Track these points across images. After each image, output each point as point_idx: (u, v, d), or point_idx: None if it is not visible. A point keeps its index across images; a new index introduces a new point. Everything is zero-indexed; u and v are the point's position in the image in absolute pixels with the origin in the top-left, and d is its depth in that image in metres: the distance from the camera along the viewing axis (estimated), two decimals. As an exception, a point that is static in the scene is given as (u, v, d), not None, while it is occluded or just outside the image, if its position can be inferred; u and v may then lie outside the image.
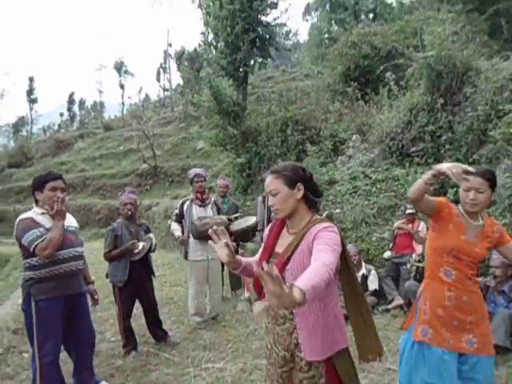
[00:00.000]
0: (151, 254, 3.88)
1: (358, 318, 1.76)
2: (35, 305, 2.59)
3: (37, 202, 2.75)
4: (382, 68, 7.59)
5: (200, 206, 4.45)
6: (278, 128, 8.94)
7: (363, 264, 4.92)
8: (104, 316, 4.78)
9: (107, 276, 3.71)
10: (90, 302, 3.07)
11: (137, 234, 3.67)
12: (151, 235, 3.85)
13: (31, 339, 2.62)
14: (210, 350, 3.64)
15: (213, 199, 4.67)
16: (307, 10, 38.43)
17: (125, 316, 3.60)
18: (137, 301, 3.79)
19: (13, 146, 38.67)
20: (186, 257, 4.31)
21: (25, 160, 31.40)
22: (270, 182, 1.70)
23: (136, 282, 3.59)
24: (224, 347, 3.71)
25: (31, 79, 46.19)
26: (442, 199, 2.04)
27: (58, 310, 2.63)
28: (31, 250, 2.55)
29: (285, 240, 1.73)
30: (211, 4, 10.41)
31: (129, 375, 3.22)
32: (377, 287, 4.79)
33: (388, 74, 7.45)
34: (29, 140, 39.12)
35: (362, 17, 17.50)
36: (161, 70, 46.94)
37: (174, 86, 40.37)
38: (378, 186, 6.05)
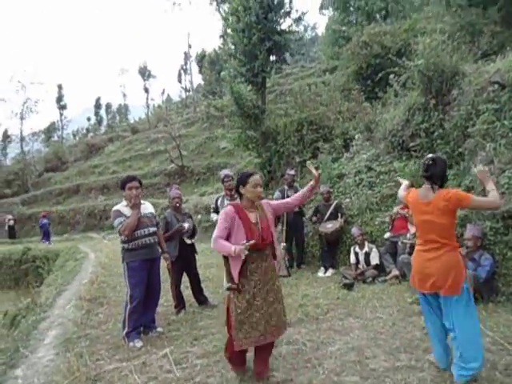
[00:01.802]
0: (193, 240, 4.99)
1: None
2: (126, 265, 3.85)
3: (124, 197, 3.92)
4: (382, 73, 8.36)
5: (230, 200, 5.49)
6: (294, 128, 9.86)
7: (366, 243, 5.88)
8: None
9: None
10: (163, 264, 4.25)
11: (183, 220, 4.77)
12: (191, 220, 4.97)
13: (126, 291, 3.88)
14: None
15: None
16: (323, 5, 38.86)
17: (176, 283, 4.73)
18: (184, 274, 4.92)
19: (47, 151, 40.89)
20: None
21: (60, 164, 33.47)
22: (260, 178, 2.94)
23: (184, 258, 4.72)
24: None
25: (60, 86, 48.46)
26: None
27: (140, 269, 3.85)
28: (117, 231, 3.73)
29: (251, 215, 2.88)
30: (230, 17, 11.43)
31: (182, 324, 4.33)
32: (378, 262, 5.73)
33: (391, 76, 8.26)
34: (62, 145, 41.40)
35: (377, 16, 17.97)
36: (182, 72, 48.44)
37: (194, 86, 41.71)
38: (382, 178, 6.95)
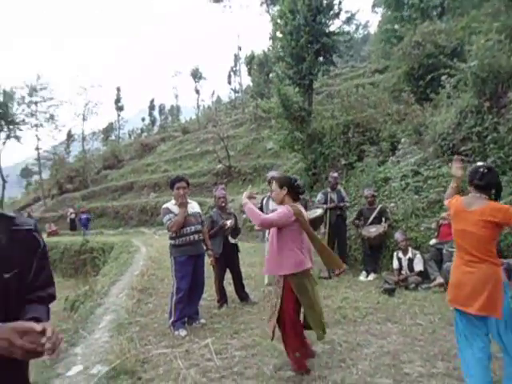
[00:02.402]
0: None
1: (316, 248, 3.16)
2: (173, 259, 4.17)
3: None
4: (435, 73, 8.10)
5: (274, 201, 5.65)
6: (340, 130, 9.82)
7: (410, 249, 5.78)
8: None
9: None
10: (207, 260, 4.55)
11: (227, 219, 5.01)
12: (233, 218, 5.19)
13: (172, 283, 4.18)
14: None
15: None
16: (376, 3, 37.86)
17: (220, 279, 4.99)
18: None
19: (105, 149, 43.58)
20: (264, 241, 5.57)
21: (116, 162, 35.53)
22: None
23: (227, 255, 4.96)
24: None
25: (118, 89, 51.43)
26: None
27: (186, 263, 4.14)
28: (166, 227, 4.03)
29: None
30: (278, 20, 11.59)
31: (223, 318, 4.56)
32: (421, 269, 5.61)
33: (444, 77, 7.99)
34: (118, 144, 43.92)
35: (433, 13, 17.22)
36: (231, 73, 49.42)
37: (244, 88, 42.43)
38: (429, 182, 6.77)
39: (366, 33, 53.00)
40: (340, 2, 11.32)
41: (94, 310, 5.15)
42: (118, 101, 50.43)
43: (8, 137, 30.32)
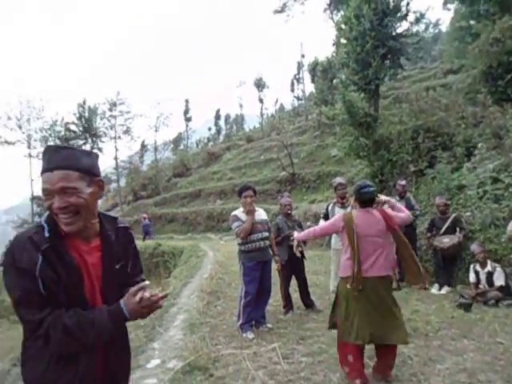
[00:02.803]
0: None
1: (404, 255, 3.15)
2: (242, 264, 4.37)
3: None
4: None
5: (340, 207, 5.60)
6: (409, 136, 9.45)
7: (488, 262, 5.38)
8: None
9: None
10: (274, 266, 4.69)
11: (293, 227, 5.10)
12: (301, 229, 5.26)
13: (241, 287, 4.37)
14: (347, 317, 4.80)
15: (351, 202, 5.80)
16: (448, -1, 35.75)
17: (286, 285, 5.09)
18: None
19: (174, 158, 46.09)
20: (329, 247, 5.57)
21: (185, 170, 37.41)
22: None
23: (293, 262, 5.03)
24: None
25: (187, 101, 54.25)
26: None
27: (254, 269, 4.31)
28: (234, 234, 4.24)
29: None
30: (342, 26, 11.51)
31: (289, 324, 4.65)
32: (503, 283, 5.19)
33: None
34: (187, 153, 46.24)
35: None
36: (294, 81, 49.70)
37: (307, 95, 42.37)
38: (511, 190, 6.24)
39: (436, 31, 50.14)
40: (408, 3, 10.96)
41: (168, 309, 5.54)
42: (186, 112, 53.14)
43: (92, 148, 33.46)
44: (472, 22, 16.51)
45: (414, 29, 11.68)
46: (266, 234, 4.45)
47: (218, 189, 25.29)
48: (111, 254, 1.49)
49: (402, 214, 3.28)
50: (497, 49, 11.08)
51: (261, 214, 4.53)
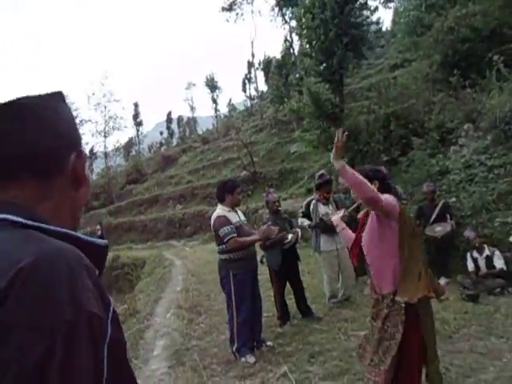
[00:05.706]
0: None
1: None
2: (233, 276, 3.56)
3: (222, 201, 3.69)
4: (490, 55, 7.43)
5: (324, 204, 5.05)
6: (379, 125, 9.20)
7: (485, 247, 5.09)
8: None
9: (261, 262, 4.59)
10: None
11: (282, 225, 4.47)
12: (297, 230, 4.63)
13: (230, 304, 3.58)
14: (352, 323, 4.26)
15: (332, 197, 5.25)
16: (389, -3, 37.00)
17: (280, 293, 4.43)
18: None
19: (127, 164, 43.93)
20: (318, 251, 4.96)
21: (140, 176, 35.68)
22: None
23: (287, 266, 4.39)
24: (363, 320, 4.29)
25: (136, 104, 52.09)
26: None
27: (248, 280, 3.60)
28: (224, 240, 3.50)
29: None
30: (302, 17, 11.13)
31: (291, 338, 4.01)
32: (503, 266, 4.91)
33: (496, 57, 7.30)
34: (140, 158, 44.28)
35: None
36: (246, 81, 49.29)
37: (259, 94, 42.11)
38: (496, 172, 6.07)
39: (377, 29, 52.10)
40: (367, -8, 10.81)
41: (142, 334, 4.69)
42: (136, 116, 51.01)
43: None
44: (421, 15, 16.92)
45: (374, 17, 11.58)
46: (256, 236, 3.77)
47: (177, 193, 24.18)
48: None
49: None
50: (452, 37, 11.23)
51: (241, 215, 3.87)
